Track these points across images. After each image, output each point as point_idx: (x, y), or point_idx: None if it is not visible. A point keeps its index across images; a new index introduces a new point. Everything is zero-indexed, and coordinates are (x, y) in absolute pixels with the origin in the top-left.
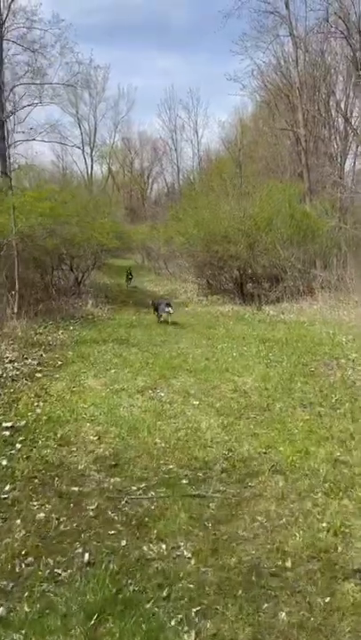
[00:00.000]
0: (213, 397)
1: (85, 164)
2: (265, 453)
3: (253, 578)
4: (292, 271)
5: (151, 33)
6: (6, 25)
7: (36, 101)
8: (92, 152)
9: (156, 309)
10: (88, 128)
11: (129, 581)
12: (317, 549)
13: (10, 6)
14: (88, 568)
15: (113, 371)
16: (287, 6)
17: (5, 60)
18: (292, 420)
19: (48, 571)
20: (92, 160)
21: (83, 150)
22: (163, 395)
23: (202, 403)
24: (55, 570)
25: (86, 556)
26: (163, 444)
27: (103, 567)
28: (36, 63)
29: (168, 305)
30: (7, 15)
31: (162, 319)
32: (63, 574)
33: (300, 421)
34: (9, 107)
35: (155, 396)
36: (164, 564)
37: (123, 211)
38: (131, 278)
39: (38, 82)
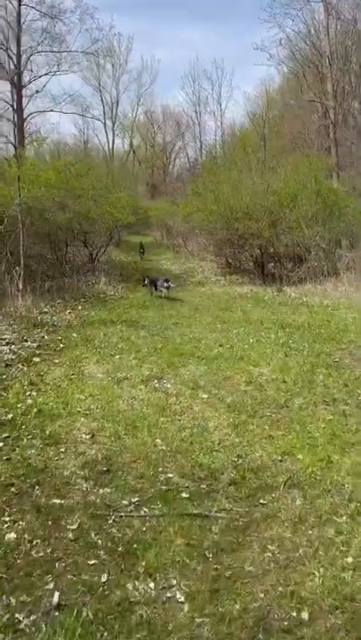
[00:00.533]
0: (225, 390)
1: (107, 137)
2: (280, 461)
3: (261, 636)
4: (317, 251)
5: (176, 4)
6: None
7: (54, 69)
8: (113, 125)
9: (154, 285)
10: (110, 101)
11: (104, 636)
12: (341, 596)
13: None
14: (57, 613)
15: (118, 356)
16: None
17: (24, 27)
18: (312, 421)
19: (8, 615)
20: (113, 134)
21: (104, 124)
22: (169, 386)
23: (211, 396)
24: (16, 615)
25: (56, 595)
26: (163, 447)
27: (75, 613)
28: (54, 29)
29: (167, 281)
30: None
31: (162, 294)
32: (25, 621)
33: (323, 422)
34: (27, 76)
35: (160, 388)
36: (151, 612)
37: (144, 186)
38: (143, 252)
39: (57, 49)
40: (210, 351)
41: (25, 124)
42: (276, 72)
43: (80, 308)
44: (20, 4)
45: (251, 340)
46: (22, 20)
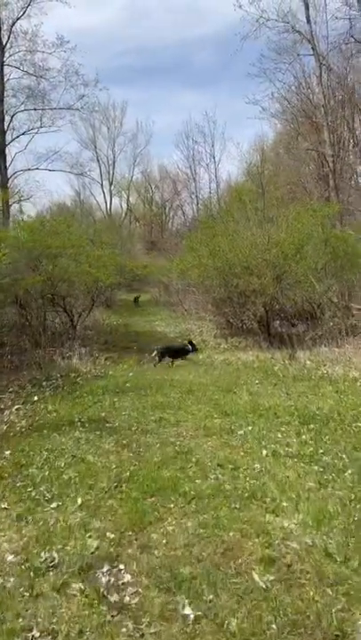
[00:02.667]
0: (225, 589)
1: (104, 198)
2: None
3: None
4: (330, 307)
5: (171, 74)
6: (7, 48)
7: (37, 125)
8: (110, 186)
9: (167, 355)
10: (107, 162)
11: None
12: None
13: (11, 29)
14: None
15: (54, 505)
16: (308, 21)
17: (7, 86)
18: None
19: None
20: (110, 194)
21: (102, 184)
22: (125, 581)
23: (201, 610)
24: None
25: None
26: None
27: None
28: (38, 87)
29: (190, 344)
30: (8, 39)
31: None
32: None
33: None
34: (9, 135)
35: (107, 589)
36: None
37: (142, 244)
38: (137, 303)
39: (40, 107)
40: (203, 480)
41: (9, 183)
42: (269, 129)
43: (36, 398)
44: (2, 64)
45: (264, 453)
46: (5, 79)
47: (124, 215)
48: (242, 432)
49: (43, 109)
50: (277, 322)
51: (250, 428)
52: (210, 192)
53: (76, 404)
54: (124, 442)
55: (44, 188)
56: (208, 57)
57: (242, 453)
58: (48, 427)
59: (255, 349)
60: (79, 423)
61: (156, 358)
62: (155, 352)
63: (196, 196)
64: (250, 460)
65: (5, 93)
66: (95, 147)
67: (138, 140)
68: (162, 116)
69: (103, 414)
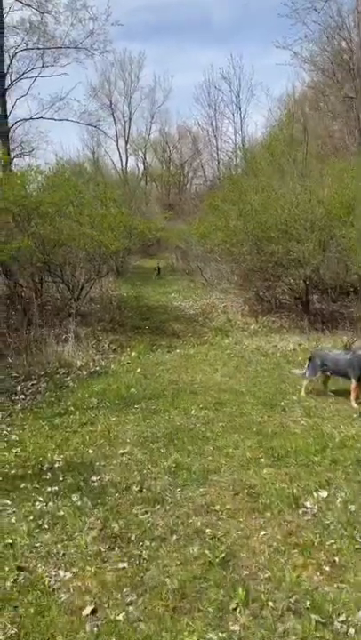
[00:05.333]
0: None
1: (120, 157)
2: None
3: None
4: None
5: (191, 31)
6: None
7: (38, 64)
8: (126, 145)
9: None
10: (122, 119)
11: None
12: None
13: None
14: None
15: None
16: None
17: (7, 22)
18: None
19: None
20: (126, 154)
21: (117, 143)
22: None
23: None
24: None
25: None
26: None
27: None
28: (42, 22)
29: None
30: None
31: None
32: None
33: None
34: (9, 78)
35: None
36: None
37: (159, 206)
38: (159, 273)
39: (43, 46)
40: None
41: (11, 134)
42: (298, 85)
43: None
44: None
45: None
46: (4, 14)
47: (140, 175)
48: (314, 506)
49: (46, 48)
50: (315, 296)
51: (325, 494)
52: (235, 145)
53: (55, 428)
54: (115, 527)
55: (53, 142)
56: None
57: (338, 581)
58: None
59: (293, 332)
60: (49, 473)
61: None
62: None
63: (217, 154)
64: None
65: (5, 31)
66: (111, 102)
67: (155, 96)
68: (180, 77)
69: (91, 452)
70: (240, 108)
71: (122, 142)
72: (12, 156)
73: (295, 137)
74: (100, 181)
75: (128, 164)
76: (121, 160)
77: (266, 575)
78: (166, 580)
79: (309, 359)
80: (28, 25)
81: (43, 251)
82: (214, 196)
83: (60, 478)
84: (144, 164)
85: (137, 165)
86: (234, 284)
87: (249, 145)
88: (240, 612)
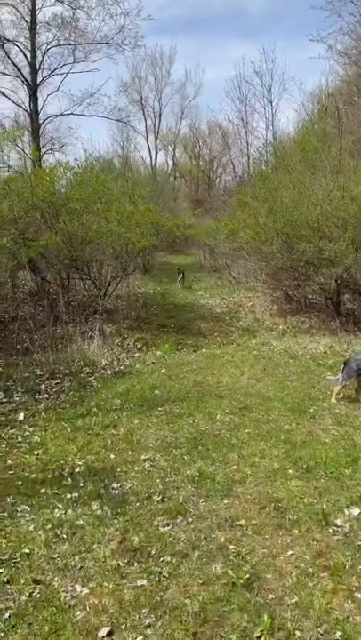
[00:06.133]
0: None
1: (150, 153)
2: None
3: None
4: None
5: (223, 24)
6: None
7: (69, 60)
8: (156, 140)
9: None
10: (153, 115)
11: None
12: None
13: None
14: None
15: None
16: None
17: (38, 16)
18: None
19: None
20: (156, 149)
21: (147, 139)
22: None
23: None
24: None
25: None
26: None
27: None
28: (74, 18)
29: None
30: None
31: None
32: None
33: None
34: (41, 76)
35: None
36: None
37: (187, 202)
38: (183, 278)
39: (75, 42)
40: None
41: (41, 130)
42: (332, 77)
43: (22, 416)
44: None
45: None
46: (37, 10)
47: (169, 171)
48: (345, 525)
49: (77, 44)
50: (347, 296)
51: (356, 511)
52: (265, 140)
53: (77, 430)
54: (135, 540)
55: (83, 138)
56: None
57: None
58: (16, 487)
59: (323, 333)
60: (70, 479)
61: None
62: None
63: (247, 149)
64: None
65: (38, 27)
66: (141, 98)
67: (186, 92)
68: (211, 71)
69: (112, 457)
70: (271, 103)
71: (151, 138)
72: (42, 152)
73: (328, 132)
74: (129, 177)
75: (157, 160)
76: (150, 155)
77: (293, 600)
78: (187, 601)
79: (344, 363)
80: (59, 21)
81: (70, 247)
82: (243, 193)
83: (81, 484)
84: (173, 159)
85: (166, 161)
86: (262, 283)
87: (280, 140)
88: None
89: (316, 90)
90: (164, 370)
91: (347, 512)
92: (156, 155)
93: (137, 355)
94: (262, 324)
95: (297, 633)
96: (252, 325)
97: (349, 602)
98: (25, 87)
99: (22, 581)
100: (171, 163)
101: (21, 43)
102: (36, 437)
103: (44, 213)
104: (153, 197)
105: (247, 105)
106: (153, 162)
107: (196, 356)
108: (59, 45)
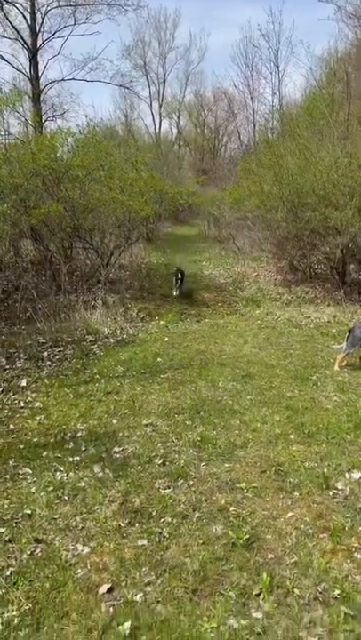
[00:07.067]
0: None
1: (153, 121)
2: None
3: None
4: None
5: None
6: None
7: (70, 22)
8: (160, 108)
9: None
10: (157, 81)
11: None
12: None
13: None
14: None
15: None
16: None
17: None
18: None
19: None
20: (160, 117)
21: (151, 106)
22: None
23: None
24: None
25: None
26: None
27: None
28: None
29: None
30: None
31: None
32: None
33: None
34: (41, 37)
35: None
36: None
37: (192, 172)
38: (181, 281)
39: (75, 4)
40: None
41: (42, 96)
42: (342, 40)
43: (24, 383)
44: None
45: None
46: None
47: (173, 140)
48: (346, 488)
49: (78, 5)
50: (352, 266)
51: (357, 475)
52: (272, 107)
53: (79, 396)
54: (136, 502)
55: (85, 105)
56: None
57: None
58: (18, 451)
59: (328, 303)
60: (72, 443)
61: None
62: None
63: (253, 117)
64: None
65: None
66: (145, 63)
67: (191, 57)
68: (216, 35)
69: (114, 422)
70: (278, 67)
71: (155, 105)
72: (44, 118)
73: (336, 97)
74: (132, 144)
75: (161, 128)
76: (154, 123)
77: (292, 560)
78: (187, 560)
79: (349, 331)
80: None
81: (72, 216)
82: (249, 160)
83: (83, 448)
84: (178, 127)
85: (170, 129)
86: (267, 253)
87: (287, 107)
88: (264, 598)
89: (324, 54)
90: (166, 339)
91: (348, 476)
92: (160, 123)
93: (140, 324)
94: (266, 295)
95: (296, 591)
96: (255, 295)
97: (348, 562)
98: (25, 51)
99: (24, 540)
100: (175, 131)
101: (20, 4)
102: (39, 403)
103: (45, 181)
104: (157, 166)
105: (253, 70)
106: (157, 130)
107: (199, 325)
108: (59, 7)
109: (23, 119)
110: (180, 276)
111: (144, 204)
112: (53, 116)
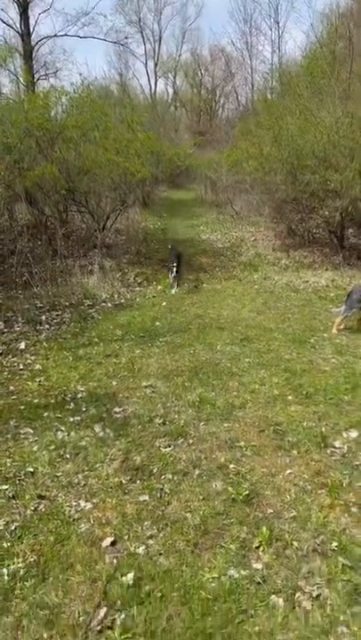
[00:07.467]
0: None
1: (148, 80)
2: None
3: None
4: None
5: None
6: None
7: None
8: (155, 67)
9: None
10: (152, 39)
11: None
12: None
13: None
14: None
15: None
16: None
17: None
18: None
19: None
20: (155, 76)
21: (146, 65)
22: None
23: None
24: None
25: None
26: None
27: None
28: None
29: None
30: None
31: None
32: None
33: None
34: None
35: None
36: None
37: (189, 134)
38: (178, 265)
39: None
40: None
41: (34, 53)
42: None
43: (23, 345)
44: None
45: None
46: None
47: (169, 101)
48: (343, 446)
49: None
50: (351, 230)
51: (355, 434)
52: (271, 65)
53: (79, 359)
54: (137, 460)
55: (79, 63)
56: None
57: None
58: (19, 411)
59: (326, 267)
60: (72, 404)
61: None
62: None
63: (252, 77)
64: None
65: None
66: (139, 19)
67: (187, 13)
68: None
69: (114, 384)
70: (278, 24)
71: (151, 64)
72: (36, 77)
73: (338, 55)
74: (127, 103)
75: (157, 88)
76: (150, 84)
77: (291, 514)
78: (188, 515)
79: (348, 295)
80: None
81: (67, 178)
82: (248, 122)
83: (83, 409)
84: (174, 87)
85: (166, 90)
86: (265, 217)
87: (286, 65)
88: (263, 550)
89: (326, 9)
90: (164, 303)
91: (345, 435)
92: (156, 83)
93: (137, 289)
94: (264, 259)
95: (295, 543)
96: (253, 260)
97: (346, 516)
98: (15, 4)
99: (27, 497)
100: (171, 91)
101: None
102: (38, 365)
103: (39, 141)
104: (153, 127)
105: (252, 26)
106: (152, 90)
107: (197, 290)
108: None
109: (14, 78)
110: (177, 261)
111: (140, 165)
112: (46, 75)
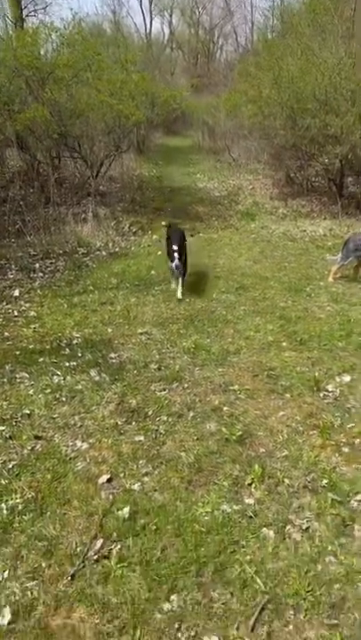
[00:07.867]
0: None
1: (143, 20)
2: None
3: None
4: None
5: None
6: None
7: None
8: (150, 5)
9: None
10: None
11: None
12: None
13: None
14: None
15: None
16: None
17: None
18: None
19: None
20: (150, 15)
21: (140, 3)
22: None
23: None
24: None
25: None
26: None
27: None
28: None
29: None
30: None
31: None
32: None
33: None
34: None
35: None
36: None
37: (186, 78)
38: (180, 254)
39: None
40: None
41: None
42: None
43: (17, 293)
44: None
45: None
46: None
47: (165, 42)
48: (336, 390)
49: None
50: (350, 179)
51: (348, 378)
52: (273, 2)
53: (73, 306)
54: (132, 402)
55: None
56: None
57: (357, 462)
58: (14, 357)
59: (324, 217)
60: (68, 349)
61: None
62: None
63: (252, 15)
64: None
65: None
66: None
67: None
68: None
69: (110, 330)
70: None
71: (146, 2)
72: (24, 13)
73: None
74: (121, 42)
75: (152, 28)
76: (145, 23)
77: (283, 454)
78: (182, 454)
79: (344, 243)
80: None
81: (59, 121)
82: (247, 63)
83: (79, 354)
84: (170, 27)
85: (162, 30)
86: (263, 164)
87: (288, 2)
88: (255, 487)
89: None
90: (160, 252)
91: (338, 379)
92: (151, 22)
93: (132, 238)
94: (262, 208)
95: (286, 480)
96: (251, 209)
97: (336, 455)
98: None
99: (24, 437)
100: (167, 32)
101: None
102: (33, 312)
103: (29, 82)
104: (148, 69)
105: None
106: (147, 30)
107: (193, 239)
108: None
109: (2, 14)
110: (177, 245)
111: (135, 108)
112: (35, 11)
